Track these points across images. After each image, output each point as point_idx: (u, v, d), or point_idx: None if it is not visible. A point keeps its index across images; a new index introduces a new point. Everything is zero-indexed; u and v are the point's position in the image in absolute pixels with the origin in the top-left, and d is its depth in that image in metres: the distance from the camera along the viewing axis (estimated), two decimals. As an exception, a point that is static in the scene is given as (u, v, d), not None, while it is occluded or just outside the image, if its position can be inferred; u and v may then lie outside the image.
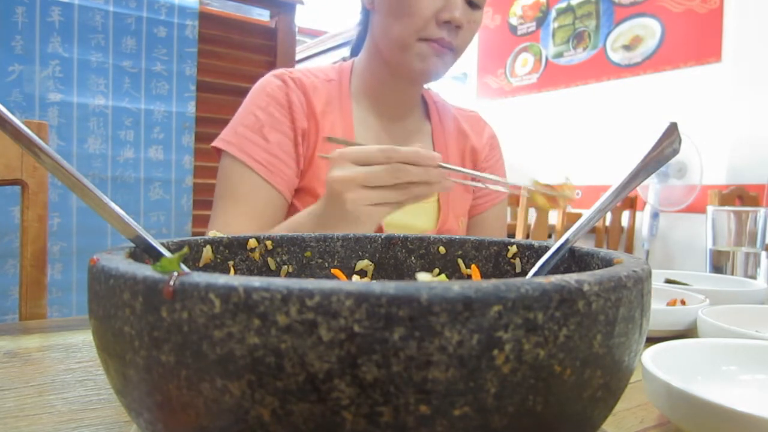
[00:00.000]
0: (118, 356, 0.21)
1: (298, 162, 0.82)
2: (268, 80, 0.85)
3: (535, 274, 0.33)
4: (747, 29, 2.73)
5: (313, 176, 0.82)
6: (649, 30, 3.10)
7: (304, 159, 0.83)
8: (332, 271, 0.41)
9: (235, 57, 1.74)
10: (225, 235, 0.38)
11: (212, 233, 0.38)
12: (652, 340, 0.36)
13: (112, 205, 0.26)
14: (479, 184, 0.82)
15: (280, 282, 0.17)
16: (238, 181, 0.79)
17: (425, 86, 0.95)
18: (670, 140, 0.33)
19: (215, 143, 0.82)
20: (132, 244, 0.28)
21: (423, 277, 0.20)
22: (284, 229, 0.70)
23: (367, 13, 0.89)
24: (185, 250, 0.23)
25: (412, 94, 0.91)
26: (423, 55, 0.79)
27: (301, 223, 0.68)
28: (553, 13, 3.60)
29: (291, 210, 0.84)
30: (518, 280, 0.18)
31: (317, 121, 0.83)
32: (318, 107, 0.83)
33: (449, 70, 0.85)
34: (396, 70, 0.84)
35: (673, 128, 0.34)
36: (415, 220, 0.87)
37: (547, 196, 0.69)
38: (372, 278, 0.42)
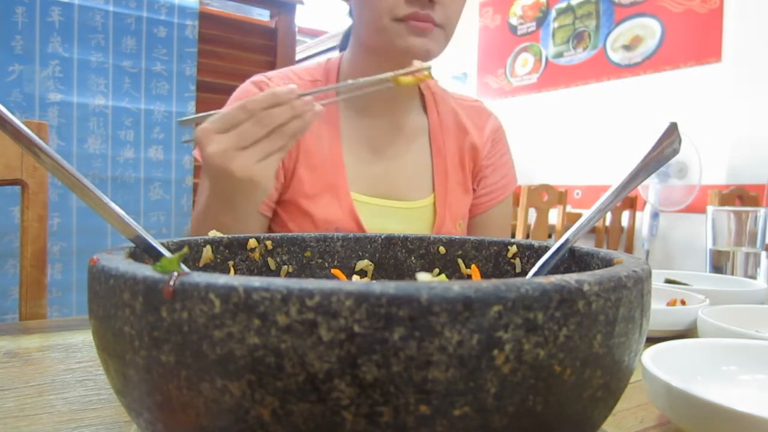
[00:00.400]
0: (118, 356, 0.21)
1: (277, 175, 0.79)
2: (245, 88, 0.82)
3: (535, 274, 0.33)
4: (747, 29, 2.73)
5: (297, 188, 0.79)
6: (649, 30, 3.10)
7: (285, 171, 0.79)
8: (332, 271, 0.41)
9: (235, 57, 1.74)
10: (225, 235, 0.38)
11: (212, 233, 0.38)
12: (652, 340, 0.36)
13: (112, 205, 0.26)
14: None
15: (280, 282, 0.17)
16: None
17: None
18: (670, 140, 0.33)
19: (195, 152, 0.81)
20: (132, 244, 0.28)
21: (423, 277, 0.20)
22: (197, 216, 0.71)
23: (350, 4, 0.84)
24: (185, 250, 0.23)
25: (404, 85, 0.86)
26: (401, 35, 0.74)
27: (207, 206, 0.67)
28: (553, 13, 3.61)
29: (277, 221, 0.81)
30: (518, 280, 0.18)
31: None
32: None
33: (443, 49, 0.79)
34: (381, 56, 0.79)
35: (673, 128, 0.34)
36: (409, 227, 0.83)
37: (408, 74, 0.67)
38: (372, 278, 0.42)
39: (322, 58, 0.90)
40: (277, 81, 0.82)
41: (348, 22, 0.88)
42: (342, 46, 0.91)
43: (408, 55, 0.74)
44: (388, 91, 0.80)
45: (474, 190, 0.92)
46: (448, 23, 0.77)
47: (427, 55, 0.76)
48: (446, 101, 0.91)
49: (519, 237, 2.45)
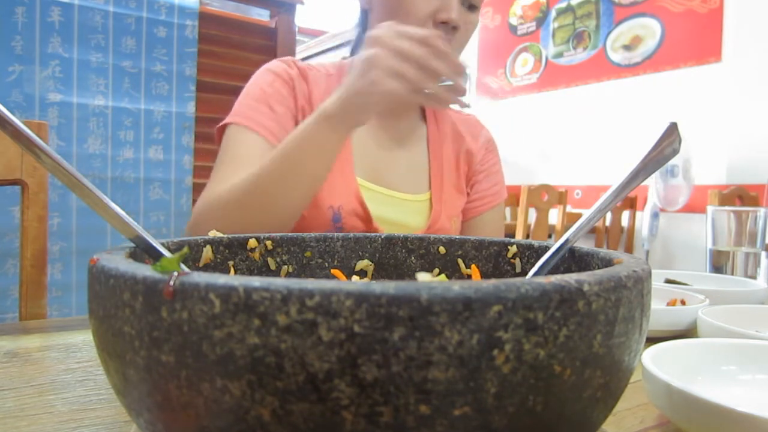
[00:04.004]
0: (118, 356, 0.21)
1: None
2: (274, 62, 0.86)
3: (535, 274, 0.33)
4: (747, 29, 2.73)
5: None
6: (649, 30, 3.10)
7: None
8: (332, 271, 0.41)
9: (235, 57, 1.74)
10: (225, 235, 0.37)
11: (212, 233, 0.38)
12: (652, 340, 0.36)
13: (112, 205, 0.26)
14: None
15: (280, 282, 0.17)
16: (242, 144, 0.78)
17: None
18: (670, 140, 0.33)
19: (219, 126, 0.81)
20: (132, 244, 0.28)
21: (423, 277, 0.20)
22: (288, 140, 0.69)
23: (365, 14, 0.89)
24: (185, 250, 0.23)
25: None
26: None
27: (307, 124, 0.67)
28: (553, 13, 3.60)
29: None
30: (518, 280, 0.18)
31: (307, 109, 0.83)
32: (316, 100, 0.83)
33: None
34: None
35: (673, 128, 0.34)
36: (406, 218, 0.87)
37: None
38: (372, 278, 0.42)
39: (332, 57, 0.91)
40: (302, 65, 0.86)
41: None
42: (354, 52, 0.95)
43: None
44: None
45: (468, 194, 0.97)
46: (459, 48, 0.83)
47: None
48: (444, 112, 0.97)
49: (519, 237, 2.45)
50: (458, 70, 0.63)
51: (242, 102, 0.81)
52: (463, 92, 0.65)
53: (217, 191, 0.72)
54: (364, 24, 0.90)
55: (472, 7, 0.81)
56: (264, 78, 0.83)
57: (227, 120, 0.80)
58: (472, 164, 0.96)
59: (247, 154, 0.77)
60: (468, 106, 0.68)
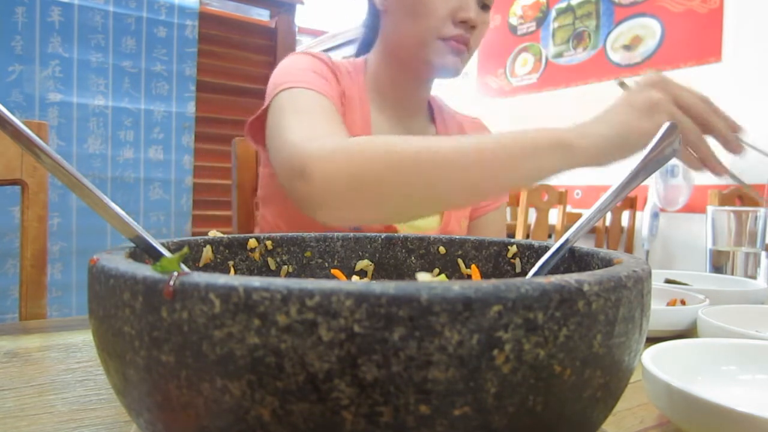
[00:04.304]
0: (118, 356, 0.21)
1: None
2: (302, 53, 0.85)
3: (535, 274, 0.33)
4: (747, 29, 2.73)
5: None
6: (649, 30, 3.10)
7: None
8: (332, 271, 0.41)
9: (235, 57, 1.74)
10: (225, 236, 0.38)
11: (212, 233, 0.38)
12: (652, 340, 0.36)
13: (112, 205, 0.26)
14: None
15: (280, 282, 0.17)
16: (305, 99, 0.72)
17: (431, 92, 0.96)
18: (670, 140, 0.33)
19: (256, 116, 0.76)
20: (132, 244, 0.28)
21: (423, 277, 0.20)
22: (500, 140, 0.61)
23: (375, 15, 0.90)
24: (185, 250, 0.23)
25: (422, 95, 0.92)
26: (441, 53, 0.81)
27: (535, 140, 0.61)
28: (553, 13, 3.60)
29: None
30: (518, 280, 0.18)
31: (342, 104, 0.83)
32: (344, 91, 0.84)
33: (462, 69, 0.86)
34: (412, 68, 0.85)
35: (673, 128, 0.34)
36: (420, 220, 0.87)
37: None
38: (372, 278, 0.42)
39: (333, 57, 0.92)
40: (326, 59, 0.86)
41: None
42: (359, 52, 0.96)
43: (440, 72, 0.83)
44: (405, 95, 0.90)
45: None
46: (473, 48, 0.84)
47: (456, 73, 0.84)
48: (451, 114, 0.99)
49: (519, 237, 2.45)
50: (734, 127, 0.64)
51: (291, 72, 0.77)
52: (739, 150, 0.65)
53: (335, 141, 0.61)
54: (372, 24, 0.91)
55: (485, 7, 0.83)
56: (301, 60, 0.82)
57: (281, 88, 0.73)
58: None
59: (320, 106, 0.71)
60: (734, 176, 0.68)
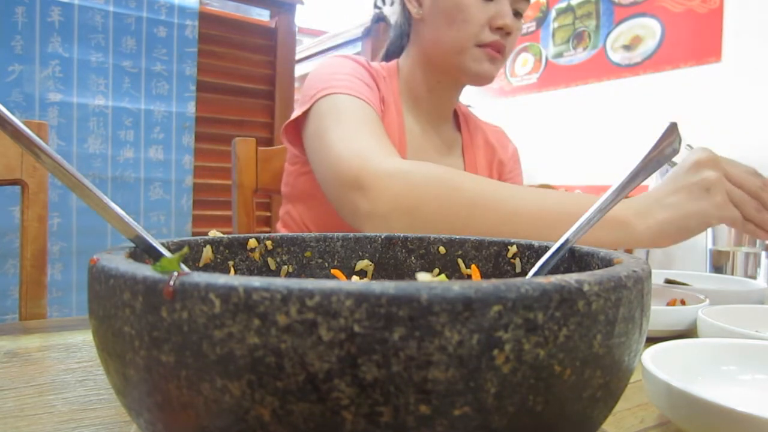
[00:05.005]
0: (118, 356, 0.21)
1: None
2: (343, 60, 0.85)
3: (535, 274, 0.33)
4: (747, 29, 2.73)
5: None
6: (649, 30, 3.10)
7: None
8: (332, 271, 0.41)
9: (235, 57, 1.74)
10: (225, 236, 0.38)
11: (212, 233, 0.38)
12: (652, 340, 0.36)
13: (112, 205, 0.26)
14: None
15: (280, 282, 0.17)
16: (350, 107, 0.73)
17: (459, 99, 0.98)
18: (670, 140, 0.33)
19: (294, 118, 0.76)
20: (132, 244, 0.28)
21: (423, 277, 0.20)
22: (556, 200, 0.61)
23: (408, 22, 0.92)
24: (185, 250, 0.23)
25: (453, 103, 0.95)
26: (478, 59, 0.84)
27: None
28: (553, 13, 3.60)
29: None
30: (518, 280, 0.18)
31: (380, 110, 0.84)
32: (383, 97, 0.86)
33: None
34: (449, 74, 0.87)
35: (673, 128, 0.34)
36: None
37: None
38: (372, 278, 0.42)
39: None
40: (367, 64, 0.87)
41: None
42: (389, 57, 0.98)
43: (476, 78, 0.86)
44: (437, 102, 0.91)
45: None
46: (509, 53, 0.87)
47: (491, 80, 0.87)
48: (476, 123, 1.03)
49: (519, 237, 2.44)
50: None
51: (334, 78, 0.77)
52: None
53: (395, 164, 0.63)
54: (405, 31, 0.92)
55: (518, 14, 0.85)
56: (343, 64, 0.82)
57: (323, 93, 0.74)
58: (503, 174, 1.02)
59: (365, 115, 0.72)
60: None
